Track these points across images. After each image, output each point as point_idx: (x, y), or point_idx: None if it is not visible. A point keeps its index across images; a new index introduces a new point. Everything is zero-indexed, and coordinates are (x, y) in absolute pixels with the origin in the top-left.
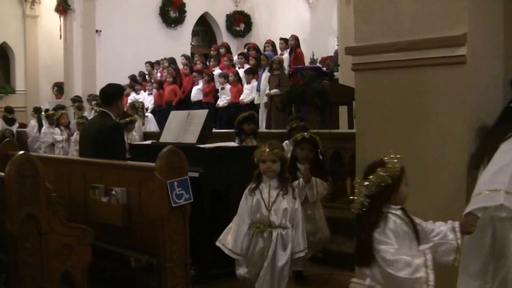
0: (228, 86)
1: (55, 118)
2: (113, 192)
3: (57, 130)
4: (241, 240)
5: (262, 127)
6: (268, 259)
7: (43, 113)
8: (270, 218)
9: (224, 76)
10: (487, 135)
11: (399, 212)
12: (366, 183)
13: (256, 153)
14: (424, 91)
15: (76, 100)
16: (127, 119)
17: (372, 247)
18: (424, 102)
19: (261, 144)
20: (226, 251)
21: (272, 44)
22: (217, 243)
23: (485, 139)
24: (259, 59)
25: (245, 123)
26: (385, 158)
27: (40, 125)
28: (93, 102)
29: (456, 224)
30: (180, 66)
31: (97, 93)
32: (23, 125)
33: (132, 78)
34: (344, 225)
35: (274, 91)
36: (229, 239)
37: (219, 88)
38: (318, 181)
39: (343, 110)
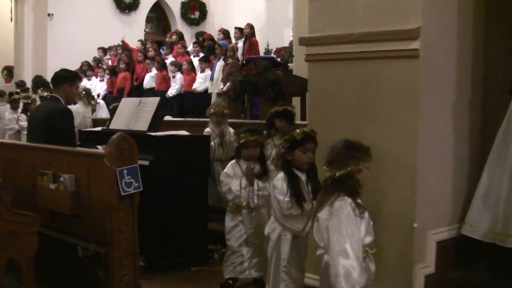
0: (179, 75)
1: (24, 103)
2: (62, 179)
3: (23, 116)
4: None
5: None
6: None
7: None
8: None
9: (175, 65)
10: None
11: None
12: None
13: (363, 155)
14: (377, 83)
15: (20, 84)
16: None
17: None
18: (376, 95)
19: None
20: None
21: (224, 32)
22: None
23: None
24: (212, 48)
25: (276, 118)
26: None
27: None
28: (19, 89)
29: None
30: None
31: (47, 77)
32: None
33: (88, 64)
34: None
35: (226, 86)
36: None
37: (171, 77)
38: None
39: (296, 101)
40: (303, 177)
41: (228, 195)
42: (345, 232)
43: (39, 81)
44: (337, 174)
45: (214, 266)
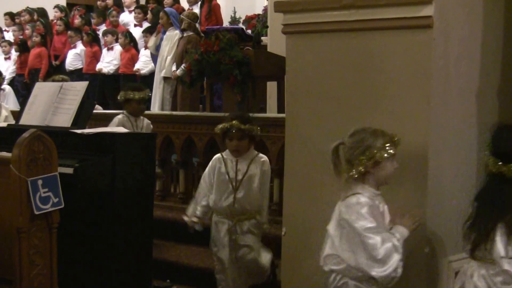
0: (118, 47)
1: None
2: None
3: None
4: None
5: (165, 109)
6: None
7: None
8: None
9: (112, 33)
10: None
11: None
12: None
13: None
14: (377, 62)
15: None
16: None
17: None
18: (377, 77)
19: None
20: None
21: None
22: None
23: None
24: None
25: None
26: None
27: None
28: None
29: None
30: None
31: None
32: None
33: None
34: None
35: (180, 70)
36: None
37: (105, 50)
38: None
39: (272, 87)
40: None
41: None
42: None
43: None
44: None
45: None
